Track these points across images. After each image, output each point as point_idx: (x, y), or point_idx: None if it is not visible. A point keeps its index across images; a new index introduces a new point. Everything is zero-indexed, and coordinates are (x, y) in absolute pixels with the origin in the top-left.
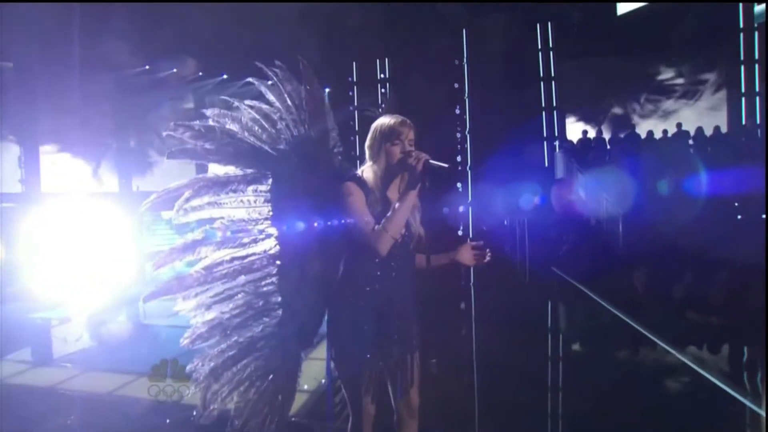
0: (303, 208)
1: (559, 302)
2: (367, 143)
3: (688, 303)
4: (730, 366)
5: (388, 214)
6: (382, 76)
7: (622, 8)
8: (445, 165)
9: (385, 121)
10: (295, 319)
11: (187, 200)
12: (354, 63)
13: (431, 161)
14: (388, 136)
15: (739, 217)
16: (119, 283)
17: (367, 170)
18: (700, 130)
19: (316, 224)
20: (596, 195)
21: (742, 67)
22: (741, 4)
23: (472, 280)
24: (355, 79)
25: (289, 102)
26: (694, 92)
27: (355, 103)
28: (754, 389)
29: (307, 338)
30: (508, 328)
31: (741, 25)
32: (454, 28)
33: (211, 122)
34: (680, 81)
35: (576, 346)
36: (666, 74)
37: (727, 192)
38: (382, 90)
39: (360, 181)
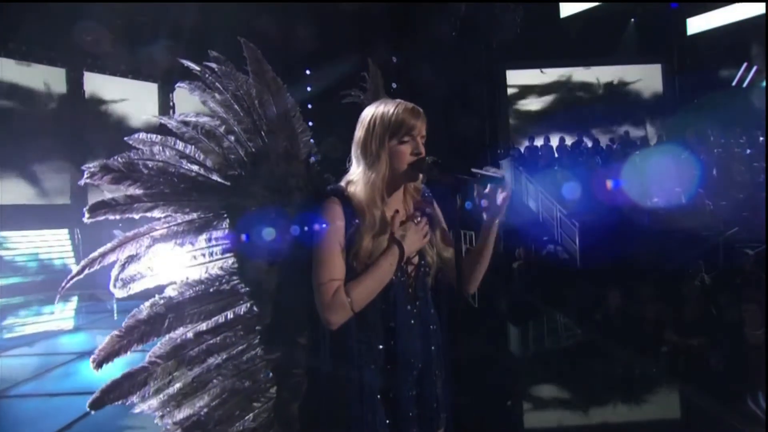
0: (278, 250)
1: (519, 326)
2: (358, 140)
3: (649, 315)
4: (698, 376)
5: (360, 277)
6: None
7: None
8: (500, 175)
9: (387, 109)
10: (296, 396)
11: (123, 268)
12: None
13: (474, 170)
14: (394, 130)
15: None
16: None
17: (355, 182)
18: (644, 139)
19: (299, 266)
20: (547, 204)
21: (676, 78)
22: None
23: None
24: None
25: (236, 106)
26: (637, 101)
27: None
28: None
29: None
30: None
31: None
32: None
33: (133, 155)
34: (624, 89)
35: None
36: (610, 81)
37: (675, 201)
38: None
39: (344, 201)
